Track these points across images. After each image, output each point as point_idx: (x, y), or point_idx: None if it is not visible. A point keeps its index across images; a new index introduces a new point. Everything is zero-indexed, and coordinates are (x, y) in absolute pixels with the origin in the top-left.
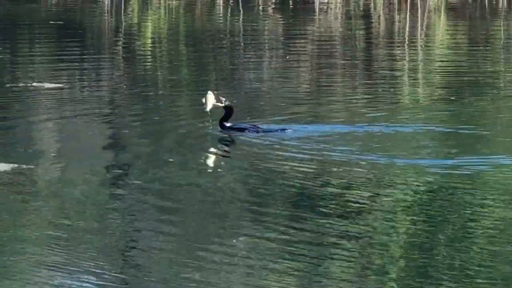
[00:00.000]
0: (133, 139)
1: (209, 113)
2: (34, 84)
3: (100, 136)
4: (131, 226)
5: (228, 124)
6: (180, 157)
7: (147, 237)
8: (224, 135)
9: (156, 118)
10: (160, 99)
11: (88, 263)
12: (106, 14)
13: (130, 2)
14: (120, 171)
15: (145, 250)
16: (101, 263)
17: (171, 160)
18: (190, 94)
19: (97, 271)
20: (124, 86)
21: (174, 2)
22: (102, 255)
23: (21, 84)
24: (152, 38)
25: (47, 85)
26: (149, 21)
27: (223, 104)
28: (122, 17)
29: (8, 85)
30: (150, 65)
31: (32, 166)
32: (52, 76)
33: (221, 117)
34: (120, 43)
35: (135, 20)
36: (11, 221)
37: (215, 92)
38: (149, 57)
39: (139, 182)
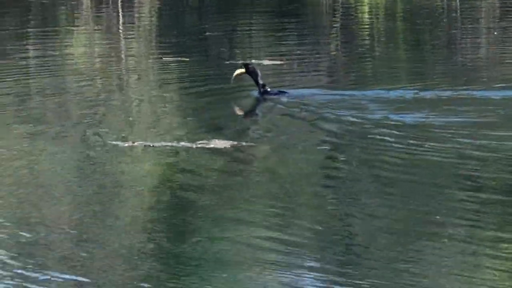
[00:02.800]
0: (342, 114)
1: (232, 81)
2: (253, 61)
3: (317, 113)
4: (347, 207)
5: (268, 89)
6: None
7: (362, 220)
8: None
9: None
10: (376, 74)
11: (302, 242)
12: None
13: None
14: (336, 148)
15: (361, 233)
16: (320, 243)
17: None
18: (406, 70)
19: (316, 252)
20: (345, 63)
21: None
22: (320, 235)
23: (239, 62)
24: (369, 14)
25: (266, 62)
26: None
27: (243, 69)
28: None
29: (227, 62)
30: (367, 41)
31: (252, 144)
32: (270, 53)
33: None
34: (337, 19)
35: None
36: (230, 198)
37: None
38: (366, 33)
39: (357, 159)
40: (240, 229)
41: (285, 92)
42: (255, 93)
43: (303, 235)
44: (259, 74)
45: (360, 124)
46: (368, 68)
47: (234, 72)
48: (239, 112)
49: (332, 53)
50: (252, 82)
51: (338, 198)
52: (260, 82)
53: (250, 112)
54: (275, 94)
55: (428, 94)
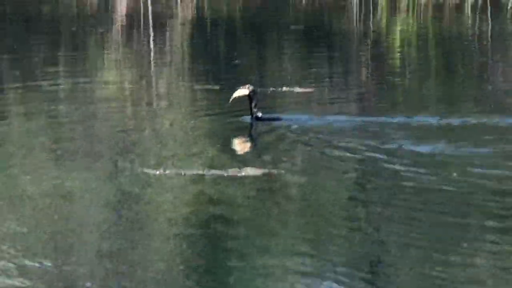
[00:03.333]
0: (364, 142)
1: (229, 102)
2: (284, 88)
3: (354, 139)
4: (377, 235)
5: (260, 115)
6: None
7: (394, 248)
8: None
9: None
10: (403, 101)
11: (334, 270)
12: (353, 19)
13: (378, 7)
14: (362, 175)
15: (392, 263)
16: (348, 271)
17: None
18: (434, 97)
19: (344, 279)
20: (370, 89)
21: (422, 7)
22: (348, 265)
23: (271, 89)
24: (400, 42)
25: (297, 89)
26: (397, 25)
27: (246, 92)
28: (370, 22)
29: (259, 90)
30: (397, 69)
31: (282, 171)
32: (302, 80)
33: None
34: (368, 47)
35: (383, 24)
36: (262, 226)
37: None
38: (397, 61)
39: (387, 187)
40: (272, 258)
41: (279, 118)
42: (247, 118)
43: (334, 265)
44: (257, 99)
45: (382, 151)
46: (396, 95)
47: (234, 93)
48: (261, 139)
49: (362, 80)
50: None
51: (367, 226)
52: (254, 109)
53: (272, 139)
54: (268, 119)
55: (455, 122)
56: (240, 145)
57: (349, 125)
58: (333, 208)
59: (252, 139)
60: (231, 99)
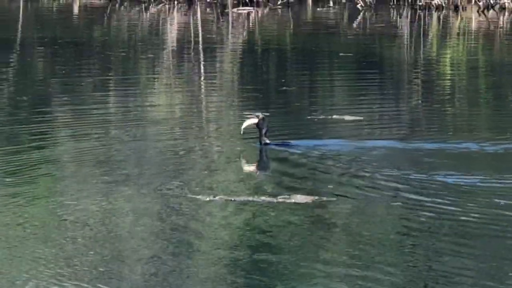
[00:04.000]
0: (423, 169)
1: (241, 132)
2: (334, 116)
3: (401, 168)
4: (429, 264)
5: (268, 141)
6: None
7: (442, 276)
8: None
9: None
10: (449, 127)
11: None
12: (404, 45)
13: (429, 34)
14: (411, 203)
15: None
16: None
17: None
18: (483, 124)
19: None
20: (422, 116)
21: (473, 34)
22: None
23: (321, 117)
24: (450, 69)
25: (347, 117)
26: (448, 52)
27: (256, 120)
28: (421, 48)
29: (308, 117)
30: (447, 96)
31: (333, 199)
32: (352, 108)
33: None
34: (419, 75)
35: (434, 51)
36: (311, 254)
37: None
38: (447, 88)
39: (433, 216)
40: (318, 286)
41: (288, 144)
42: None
43: None
44: (267, 127)
45: (428, 180)
46: (444, 122)
47: (244, 123)
48: (305, 166)
49: (411, 107)
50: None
51: (416, 256)
52: (264, 137)
53: (316, 166)
54: (277, 145)
55: (500, 150)
56: (288, 172)
57: (389, 152)
58: (383, 237)
59: (299, 165)
60: (242, 129)
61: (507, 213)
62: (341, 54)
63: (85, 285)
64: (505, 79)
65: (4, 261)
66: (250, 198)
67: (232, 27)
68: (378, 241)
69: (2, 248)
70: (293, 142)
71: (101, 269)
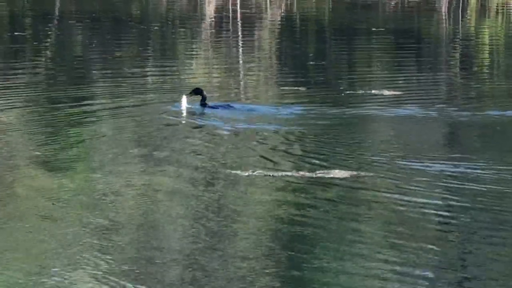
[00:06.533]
0: (463, 143)
1: (183, 113)
2: (373, 91)
3: (443, 143)
4: (465, 245)
5: (210, 104)
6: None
7: (480, 256)
8: None
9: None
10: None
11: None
12: (443, 21)
13: (468, 10)
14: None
15: (481, 271)
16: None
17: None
18: None
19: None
20: (458, 93)
21: None
22: (439, 272)
23: (359, 91)
24: (489, 46)
25: (386, 92)
26: (486, 28)
27: (190, 93)
28: (460, 25)
29: (347, 92)
30: (485, 73)
31: (371, 174)
32: (390, 83)
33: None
34: (457, 50)
35: (472, 28)
36: (347, 230)
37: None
38: (486, 65)
39: (477, 193)
40: (356, 262)
41: (229, 106)
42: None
43: (419, 271)
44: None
45: (468, 158)
46: (479, 95)
47: (182, 102)
48: (345, 140)
49: (448, 83)
50: None
51: (455, 235)
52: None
53: (352, 141)
54: (215, 107)
55: None
56: (326, 147)
57: (429, 125)
58: (419, 216)
59: (337, 140)
60: (184, 110)
61: None
62: (380, 28)
63: (122, 258)
64: None
65: (45, 233)
66: (289, 173)
67: (271, 2)
68: (416, 219)
69: (45, 221)
70: (235, 105)
71: (139, 243)
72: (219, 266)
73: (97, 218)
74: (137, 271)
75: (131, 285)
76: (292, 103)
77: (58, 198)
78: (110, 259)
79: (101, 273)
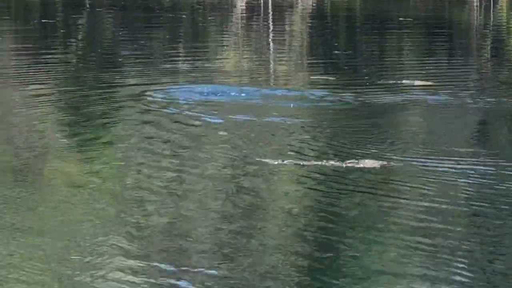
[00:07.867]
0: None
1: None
2: (404, 81)
3: (475, 134)
4: (497, 244)
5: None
6: None
7: None
8: None
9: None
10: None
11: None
12: (474, 12)
13: (499, 1)
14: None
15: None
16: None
17: None
18: None
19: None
20: (488, 84)
21: None
22: (465, 270)
23: (390, 81)
24: None
25: (417, 82)
26: None
27: None
28: (491, 15)
29: (378, 82)
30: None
31: (401, 164)
32: (422, 73)
33: None
34: (488, 41)
35: (504, 18)
36: (375, 221)
37: None
38: None
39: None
40: (381, 254)
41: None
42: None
43: (444, 268)
44: None
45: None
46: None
47: None
48: (371, 128)
49: (479, 73)
50: None
51: (492, 226)
52: None
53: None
54: None
55: None
56: (357, 136)
57: (460, 115)
58: (450, 207)
59: (368, 130)
60: None
61: None
62: (411, 19)
63: (152, 242)
64: None
65: (74, 219)
66: (319, 163)
67: None
68: (447, 211)
69: (72, 207)
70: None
71: (170, 229)
72: (242, 257)
73: (127, 205)
74: (167, 259)
75: (162, 265)
76: (321, 92)
77: (87, 185)
78: (139, 248)
79: (131, 262)
